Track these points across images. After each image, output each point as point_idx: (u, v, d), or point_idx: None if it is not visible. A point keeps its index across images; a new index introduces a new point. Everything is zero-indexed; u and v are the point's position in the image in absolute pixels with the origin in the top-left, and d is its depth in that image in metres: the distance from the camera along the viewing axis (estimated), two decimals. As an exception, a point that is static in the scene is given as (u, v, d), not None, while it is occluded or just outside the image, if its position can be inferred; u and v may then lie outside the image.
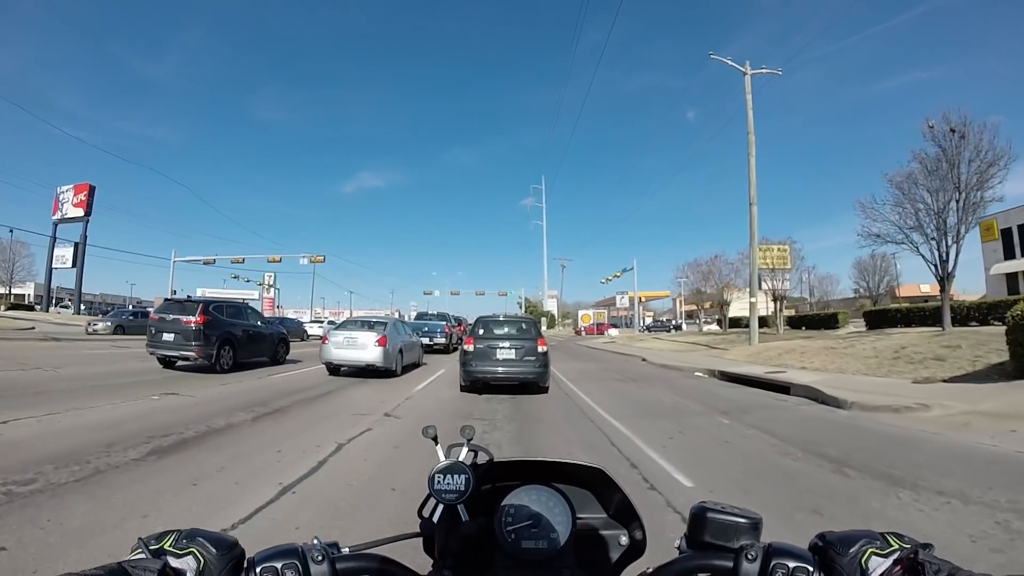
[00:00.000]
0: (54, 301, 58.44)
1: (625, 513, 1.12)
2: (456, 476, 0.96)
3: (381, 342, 14.16)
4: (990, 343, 13.45)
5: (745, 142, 23.73)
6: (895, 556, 0.72)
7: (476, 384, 10.94)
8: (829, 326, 32.17)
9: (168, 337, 13.59)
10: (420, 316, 29.76)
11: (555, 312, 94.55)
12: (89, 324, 31.99)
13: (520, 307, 76.54)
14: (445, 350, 23.58)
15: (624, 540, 1.10)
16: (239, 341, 14.91)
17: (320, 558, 0.78)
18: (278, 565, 0.76)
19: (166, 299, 16.71)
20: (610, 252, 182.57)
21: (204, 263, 51.77)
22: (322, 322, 46.64)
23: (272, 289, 79.04)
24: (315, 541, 0.82)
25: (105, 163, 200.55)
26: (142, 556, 0.70)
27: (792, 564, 0.76)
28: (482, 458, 1.05)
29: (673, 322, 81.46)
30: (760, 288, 37.01)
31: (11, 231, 55.77)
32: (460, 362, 11.15)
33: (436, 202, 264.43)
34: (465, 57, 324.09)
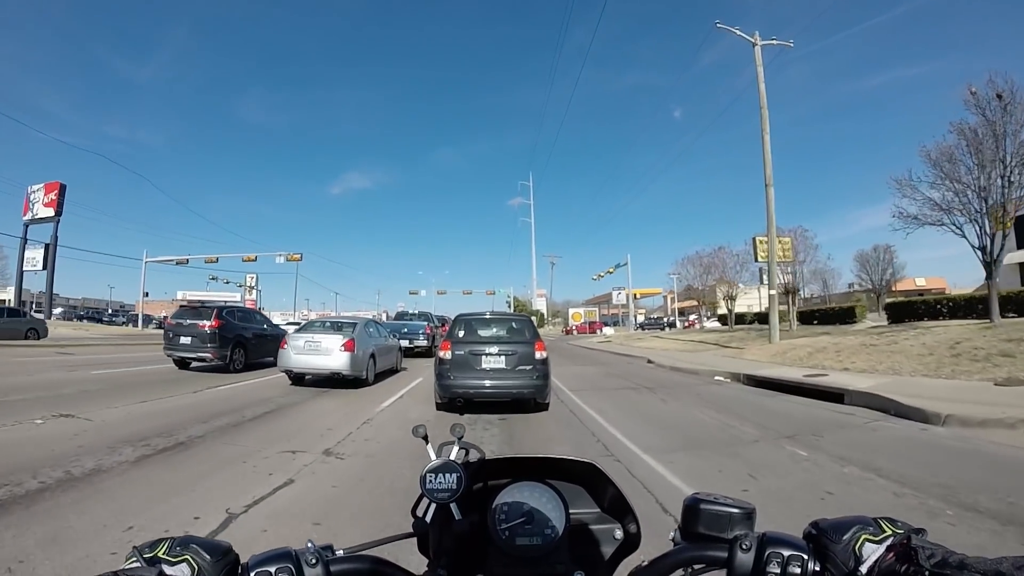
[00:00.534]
0: (32, 306, 56.33)
1: (619, 507, 1.10)
2: (448, 475, 0.96)
3: (348, 346, 11.99)
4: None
5: (758, 117, 21.53)
6: (888, 542, 0.72)
7: (456, 401, 8.61)
8: (845, 320, 30.00)
9: (185, 340, 14.46)
10: (400, 316, 27.17)
11: (544, 311, 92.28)
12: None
13: (509, 306, 73.80)
14: (428, 353, 21.16)
15: (619, 534, 1.09)
16: (250, 343, 15.61)
17: (314, 561, 0.77)
18: (272, 569, 0.75)
19: (181, 305, 18.84)
20: (599, 250, 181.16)
21: (177, 263, 49.02)
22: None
23: (254, 291, 76.34)
24: (309, 544, 0.80)
25: (85, 165, 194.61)
26: (137, 565, 0.70)
27: (787, 553, 0.76)
28: (473, 456, 1.06)
29: (665, 320, 79.56)
30: (762, 283, 35.13)
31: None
32: (435, 373, 8.70)
33: (423, 202, 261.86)
34: (450, 58, 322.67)
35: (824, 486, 4.84)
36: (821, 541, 0.77)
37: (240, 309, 18.47)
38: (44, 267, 48.41)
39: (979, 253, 16.90)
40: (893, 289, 55.82)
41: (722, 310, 53.22)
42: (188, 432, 6.79)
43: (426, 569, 0.96)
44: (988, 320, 17.05)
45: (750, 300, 49.75)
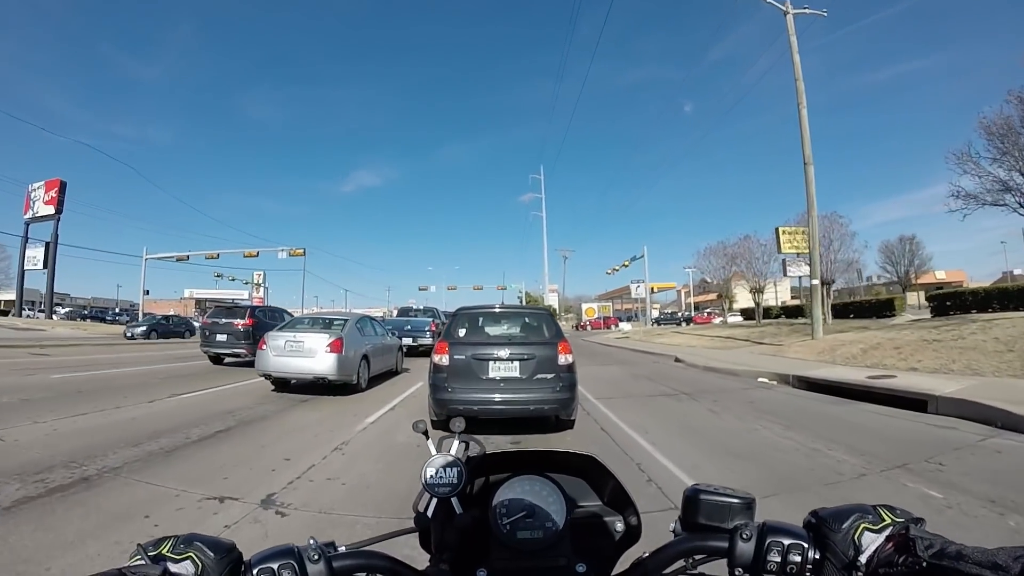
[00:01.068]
0: (38, 306, 55.50)
1: (619, 499, 1.10)
2: (448, 470, 0.96)
3: (335, 347, 10.31)
4: None
5: (793, 91, 19.43)
6: (888, 531, 0.72)
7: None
8: (882, 313, 27.83)
9: (221, 338, 15.52)
10: (403, 312, 25.03)
11: (556, 306, 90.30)
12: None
13: (521, 301, 71.85)
14: (433, 352, 19.37)
15: (620, 526, 1.08)
16: (279, 339, 16.09)
17: (316, 557, 0.77)
18: (274, 566, 0.75)
19: (216, 305, 20.76)
20: (610, 246, 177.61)
21: (177, 260, 47.73)
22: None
23: (262, 288, 75.14)
24: (311, 541, 0.80)
25: (89, 163, 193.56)
26: (141, 562, 0.70)
27: (787, 542, 0.76)
28: (474, 450, 1.10)
29: (680, 314, 77.49)
30: (786, 275, 33.07)
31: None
32: (429, 383, 6.92)
33: (433, 198, 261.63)
34: (459, 54, 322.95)
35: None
36: (821, 530, 0.76)
37: (270, 308, 19.73)
38: (45, 266, 47.47)
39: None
40: (914, 282, 53.58)
41: (740, 304, 51.34)
42: (104, 461, 5.21)
43: (428, 564, 0.95)
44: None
45: (767, 294, 47.61)
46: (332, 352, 10.20)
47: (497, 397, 6.41)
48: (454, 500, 0.96)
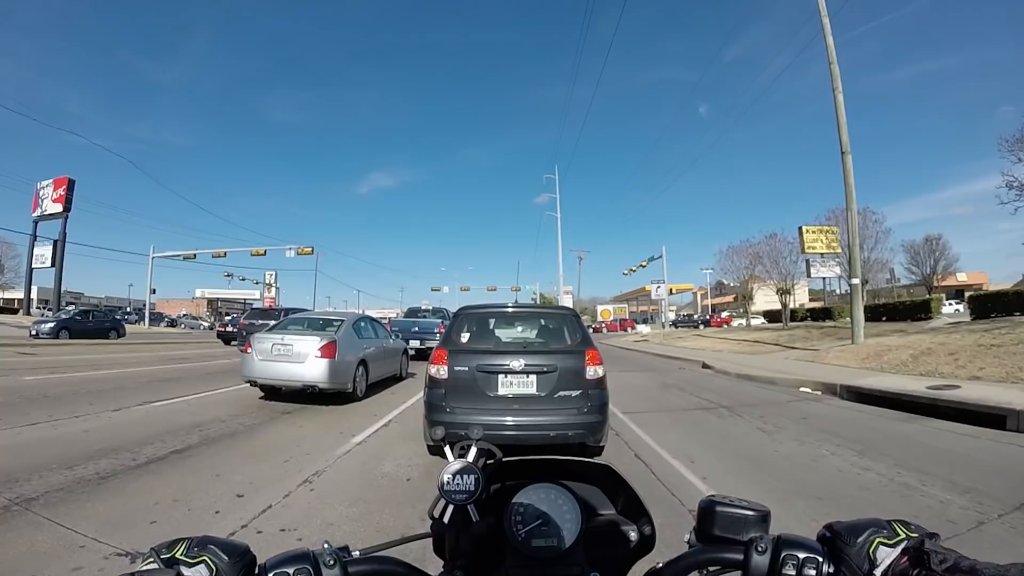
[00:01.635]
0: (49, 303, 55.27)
1: (634, 508, 1.10)
2: (466, 476, 0.93)
3: (327, 351, 9.19)
4: None
5: (828, 75, 17.98)
6: (902, 546, 0.71)
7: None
8: (917, 316, 26.19)
9: None
10: (411, 313, 23.69)
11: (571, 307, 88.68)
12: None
13: (536, 302, 70.37)
14: (442, 355, 18.17)
15: (634, 535, 1.07)
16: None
17: (332, 562, 0.76)
18: (290, 570, 0.74)
19: (252, 308, 23.49)
20: (625, 247, 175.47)
21: (184, 258, 46.67)
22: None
23: (272, 288, 74.50)
24: (326, 545, 0.79)
25: (104, 163, 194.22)
26: (155, 566, 0.69)
27: (802, 555, 0.76)
28: (491, 457, 1.04)
29: (698, 317, 75.82)
30: (810, 276, 31.53)
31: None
32: (424, 400, 5.51)
33: (447, 200, 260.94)
34: (475, 57, 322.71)
35: None
36: (836, 544, 0.76)
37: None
38: (53, 264, 46.76)
39: None
40: (937, 284, 51.68)
41: (759, 306, 49.57)
42: (22, 488, 4.30)
43: (442, 570, 0.95)
44: None
45: (788, 296, 45.96)
46: (324, 357, 9.08)
47: (509, 420, 5.09)
48: (470, 507, 0.93)
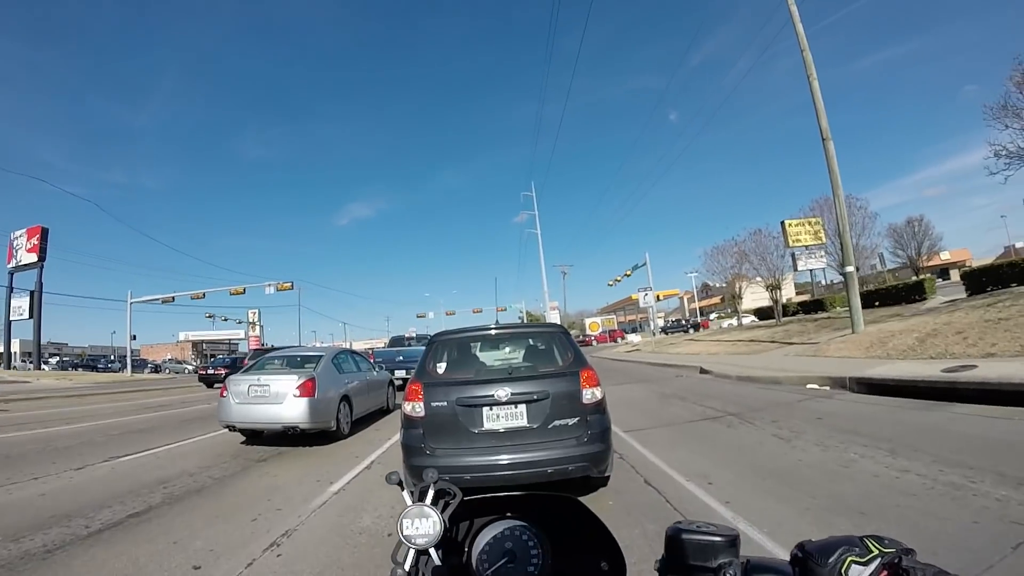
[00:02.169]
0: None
1: (601, 541, 1.07)
2: (424, 520, 0.92)
3: (305, 389, 8.60)
4: None
5: (801, 65, 17.79)
6: (876, 563, 0.69)
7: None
8: (910, 298, 25.89)
9: None
10: (394, 342, 22.78)
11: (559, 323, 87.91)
12: None
13: (521, 321, 69.60)
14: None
15: (604, 566, 1.05)
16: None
17: None
18: None
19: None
20: (607, 259, 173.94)
21: (163, 302, 45.63)
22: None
23: (256, 327, 73.29)
24: None
25: (79, 212, 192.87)
26: None
27: None
28: (450, 497, 1.01)
29: (687, 321, 75.44)
30: (796, 269, 31.25)
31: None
32: (401, 442, 4.81)
33: (427, 226, 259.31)
34: (444, 84, 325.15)
35: None
36: (807, 564, 0.73)
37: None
38: (30, 315, 45.74)
39: None
40: (923, 265, 51.79)
41: (748, 304, 49.25)
42: None
43: None
44: None
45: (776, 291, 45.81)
46: (303, 396, 8.49)
47: (499, 459, 4.36)
48: (432, 551, 0.93)
